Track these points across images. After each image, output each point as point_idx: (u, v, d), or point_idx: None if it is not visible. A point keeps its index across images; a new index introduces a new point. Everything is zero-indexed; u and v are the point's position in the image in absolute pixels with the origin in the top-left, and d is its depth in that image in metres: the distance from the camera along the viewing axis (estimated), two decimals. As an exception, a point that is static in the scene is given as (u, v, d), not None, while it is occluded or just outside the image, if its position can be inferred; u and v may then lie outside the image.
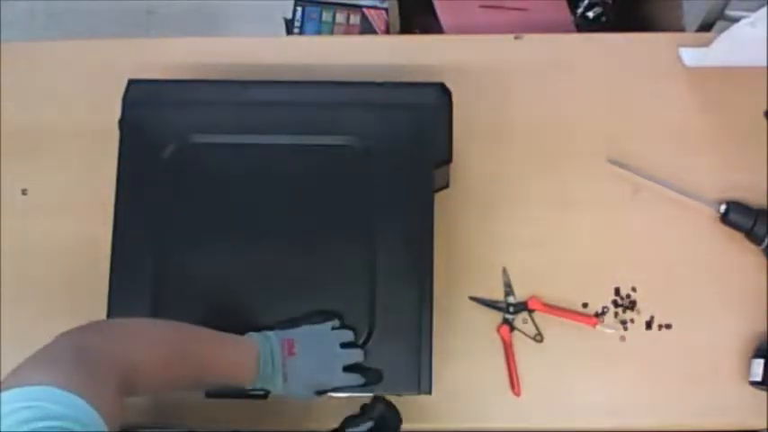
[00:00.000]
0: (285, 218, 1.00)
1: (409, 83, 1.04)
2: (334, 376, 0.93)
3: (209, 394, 0.97)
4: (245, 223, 1.00)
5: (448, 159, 1.02)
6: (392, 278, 0.97)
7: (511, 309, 1.10)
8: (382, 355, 0.95)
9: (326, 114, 1.02)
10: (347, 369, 0.94)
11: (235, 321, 0.94)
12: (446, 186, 1.09)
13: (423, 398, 1.03)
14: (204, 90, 1.05)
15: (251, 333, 0.91)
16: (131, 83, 1.04)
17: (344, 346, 0.94)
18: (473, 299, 1.10)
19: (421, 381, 0.95)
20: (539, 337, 1.09)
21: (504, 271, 1.11)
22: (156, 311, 0.97)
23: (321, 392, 0.93)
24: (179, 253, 0.99)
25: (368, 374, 0.95)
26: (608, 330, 1.09)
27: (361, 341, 0.96)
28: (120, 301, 0.98)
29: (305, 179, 1.01)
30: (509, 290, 1.10)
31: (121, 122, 1.03)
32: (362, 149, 1.00)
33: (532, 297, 1.10)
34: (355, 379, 0.94)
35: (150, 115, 1.03)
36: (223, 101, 1.03)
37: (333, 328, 0.95)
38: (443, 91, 1.02)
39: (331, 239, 0.99)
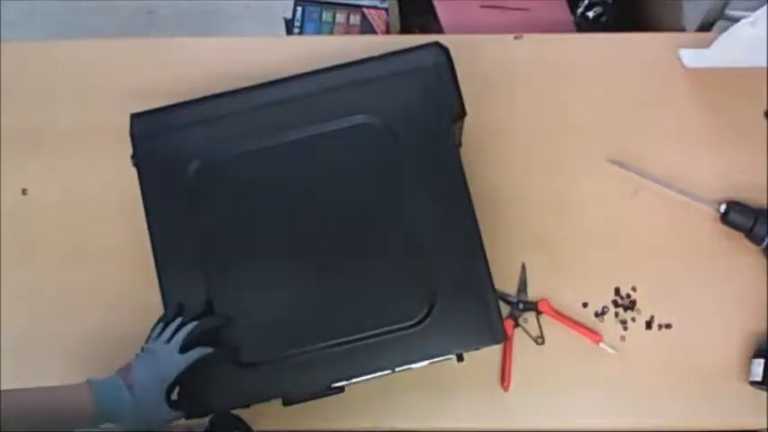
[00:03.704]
0: (326, 208, 0.99)
1: (406, 49, 1.03)
2: (174, 360, 0.92)
3: None
4: (289, 224, 0.99)
5: (462, 113, 1.02)
6: (440, 240, 0.97)
7: (520, 305, 1.10)
8: (450, 318, 0.95)
9: (337, 99, 1.02)
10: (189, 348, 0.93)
11: (297, 323, 0.96)
12: (459, 145, 1.08)
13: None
14: (209, 107, 1.03)
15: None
16: (134, 117, 1.02)
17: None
18: None
19: (493, 331, 0.95)
20: (540, 340, 1.09)
21: (523, 267, 1.11)
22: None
23: (175, 386, 0.92)
24: (232, 266, 0.98)
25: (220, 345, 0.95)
26: (609, 350, 1.08)
27: (425, 312, 0.95)
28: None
29: (333, 166, 1.01)
30: (523, 287, 1.11)
31: (134, 158, 1.02)
32: (381, 123, 1.00)
33: (544, 300, 1.10)
34: (198, 352, 0.93)
35: (162, 145, 1.01)
36: (231, 113, 1.02)
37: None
38: (440, 48, 1.03)
39: (374, 218, 0.99)
